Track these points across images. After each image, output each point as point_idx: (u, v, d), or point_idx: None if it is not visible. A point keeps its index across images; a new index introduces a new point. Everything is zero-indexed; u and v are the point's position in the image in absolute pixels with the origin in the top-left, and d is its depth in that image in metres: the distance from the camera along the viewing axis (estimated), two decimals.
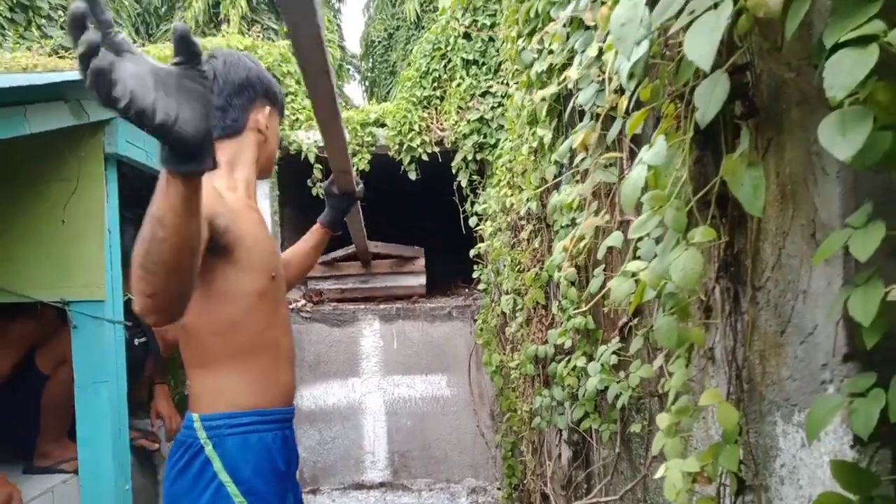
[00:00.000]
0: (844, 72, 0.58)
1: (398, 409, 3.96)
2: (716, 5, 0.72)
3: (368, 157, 3.29)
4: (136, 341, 2.83)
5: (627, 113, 1.25)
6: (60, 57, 3.25)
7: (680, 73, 0.83)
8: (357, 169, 3.26)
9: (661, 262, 0.85)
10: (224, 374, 1.43)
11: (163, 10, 10.95)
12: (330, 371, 3.95)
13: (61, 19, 6.22)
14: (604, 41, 1.07)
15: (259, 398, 1.48)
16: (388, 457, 4.00)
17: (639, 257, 1.07)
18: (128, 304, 2.61)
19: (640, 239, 1.01)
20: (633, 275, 0.92)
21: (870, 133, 0.58)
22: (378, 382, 3.94)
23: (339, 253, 4.48)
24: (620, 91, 1.21)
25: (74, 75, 2.15)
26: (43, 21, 5.99)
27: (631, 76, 0.85)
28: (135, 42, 4.02)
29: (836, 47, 0.60)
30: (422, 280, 4.03)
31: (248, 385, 1.46)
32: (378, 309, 3.90)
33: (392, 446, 3.99)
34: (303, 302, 3.98)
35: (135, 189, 3.76)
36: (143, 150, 2.57)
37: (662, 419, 0.98)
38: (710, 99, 0.74)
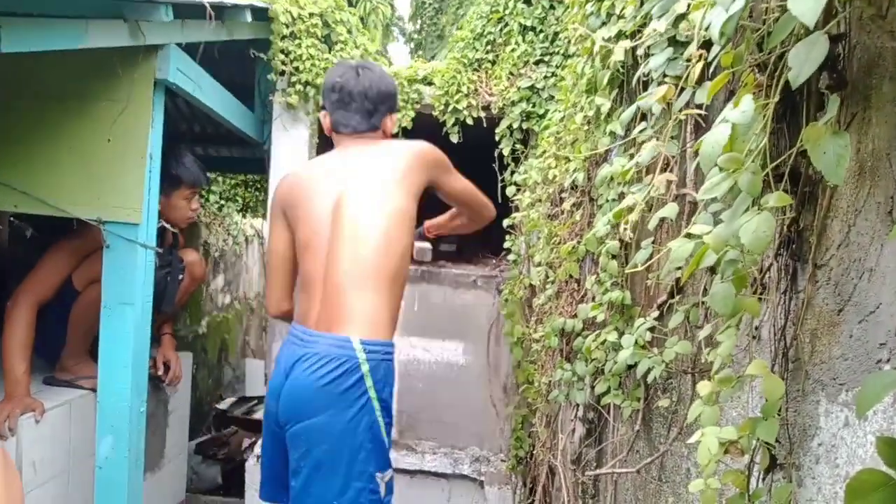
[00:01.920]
0: None
1: (411, 371, 3.99)
2: None
3: (412, 114, 3.27)
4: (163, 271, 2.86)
5: (699, 82, 1.23)
6: None
7: (773, 35, 0.80)
8: (399, 125, 3.24)
9: (730, 226, 0.84)
10: (386, 299, 1.74)
11: None
12: None
13: None
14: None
15: (393, 330, 1.81)
16: (397, 416, 4.04)
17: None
18: (160, 230, 2.65)
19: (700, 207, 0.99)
20: (695, 237, 0.91)
21: None
22: (395, 342, 3.97)
23: None
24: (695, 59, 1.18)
25: None
26: None
27: (721, 34, 0.83)
28: None
29: None
30: (452, 247, 4.06)
31: (396, 316, 1.82)
32: None
33: (401, 406, 4.02)
34: None
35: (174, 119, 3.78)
36: (192, 80, 2.58)
37: (704, 387, 0.97)
38: (806, 59, 0.72)
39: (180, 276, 3.02)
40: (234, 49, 3.09)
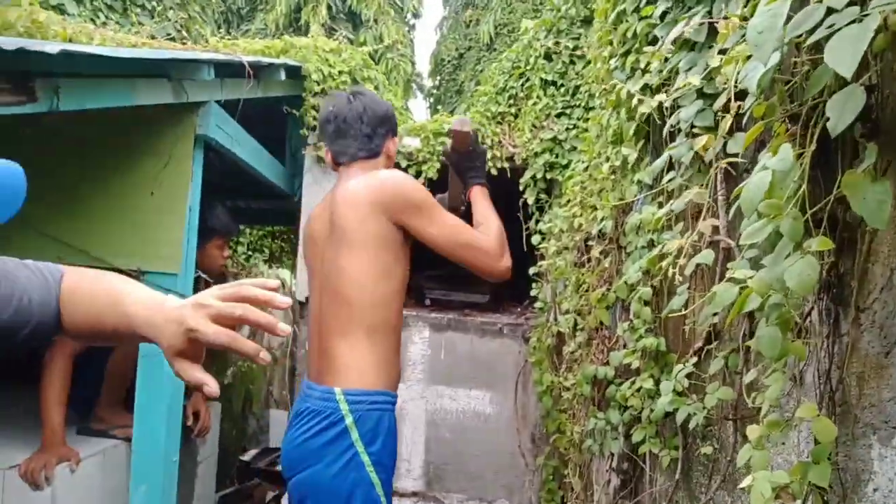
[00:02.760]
0: None
1: (438, 420, 3.96)
2: (860, 19, 0.73)
3: (438, 165, 3.35)
4: None
5: (730, 132, 1.27)
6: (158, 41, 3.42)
7: (810, 87, 0.84)
8: (425, 177, 3.32)
9: (773, 270, 0.86)
10: (368, 348, 1.65)
11: (245, 10, 11.39)
12: None
13: (154, 10, 6.58)
14: (723, 54, 1.09)
15: (386, 380, 1.69)
16: (423, 467, 4.00)
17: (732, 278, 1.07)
18: (196, 280, 2.71)
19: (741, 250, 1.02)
20: (739, 281, 0.93)
21: None
22: (421, 391, 3.96)
23: None
24: (725, 110, 1.22)
25: (179, 54, 2.27)
26: (137, 10, 6.36)
27: (758, 86, 0.87)
28: (217, 36, 4.21)
29: None
30: (486, 297, 4.11)
31: (383, 365, 1.68)
32: (429, 317, 3.93)
33: (429, 456, 3.98)
34: None
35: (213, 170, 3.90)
36: (230, 136, 2.69)
37: (753, 431, 0.98)
38: (844, 109, 0.76)
39: None
40: (268, 105, 3.21)
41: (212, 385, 0.80)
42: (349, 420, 1.58)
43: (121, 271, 2.34)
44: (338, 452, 1.57)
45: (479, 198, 1.94)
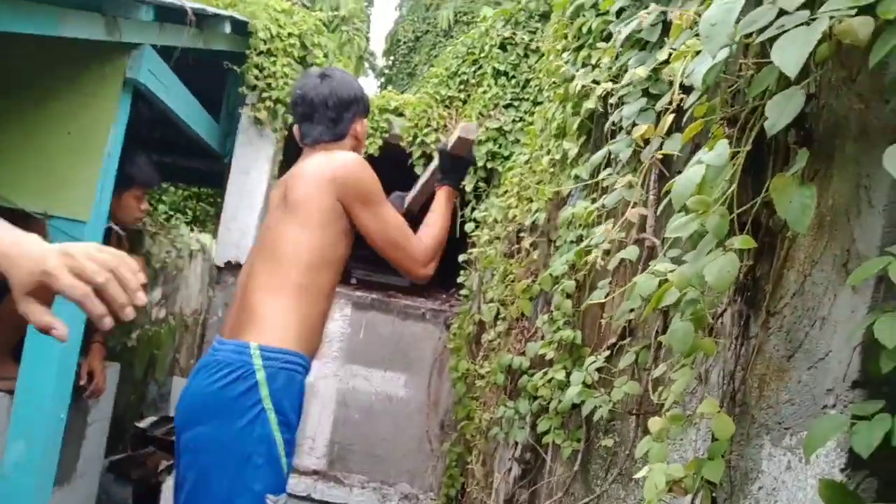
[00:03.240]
0: None
1: (349, 401, 3.91)
2: (808, 23, 0.74)
3: (380, 142, 3.30)
4: None
5: (668, 134, 1.28)
6: None
7: (752, 87, 0.85)
8: (366, 152, 3.26)
9: (694, 265, 0.87)
10: (294, 307, 1.64)
11: None
12: None
13: None
14: (673, 49, 1.10)
15: (306, 344, 1.68)
16: (328, 446, 3.95)
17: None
18: (106, 233, 2.56)
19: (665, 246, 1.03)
20: (660, 274, 0.94)
21: None
22: (335, 369, 3.90)
23: None
24: (667, 110, 1.24)
25: None
26: None
27: (703, 82, 0.88)
28: None
29: None
30: (405, 281, 4.07)
31: (306, 328, 1.67)
32: (353, 295, 3.87)
33: (334, 436, 3.93)
34: None
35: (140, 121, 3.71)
36: (162, 83, 2.54)
37: (655, 423, 0.99)
38: (783, 110, 0.77)
39: None
40: (207, 59, 3.06)
41: (60, 329, 0.79)
42: (260, 375, 1.56)
43: (25, 213, 2.18)
44: (245, 407, 1.54)
45: (443, 200, 1.98)
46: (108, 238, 2.77)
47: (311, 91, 1.86)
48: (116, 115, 2.26)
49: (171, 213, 6.48)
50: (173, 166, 4.71)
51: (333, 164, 1.74)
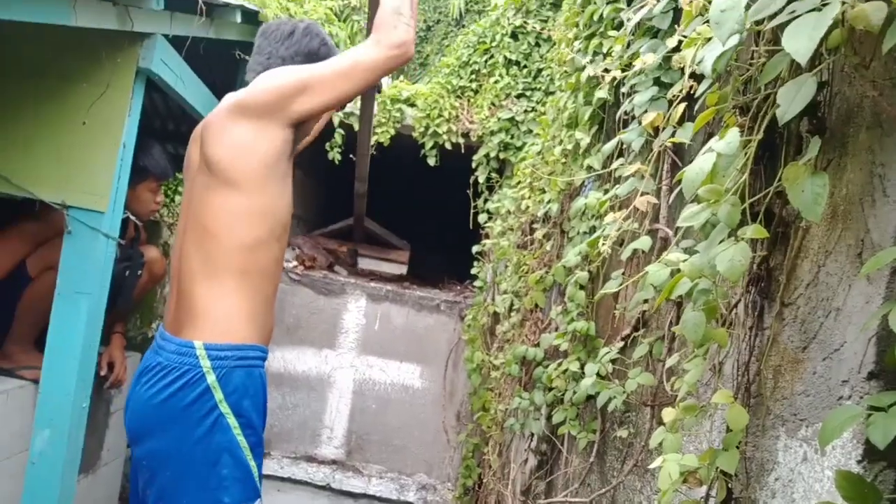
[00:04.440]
0: None
1: (366, 391, 3.94)
2: (820, 8, 0.73)
3: (392, 132, 3.29)
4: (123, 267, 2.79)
5: (680, 122, 1.27)
6: None
7: (763, 74, 0.84)
8: (377, 142, 3.26)
9: (706, 255, 0.86)
10: (237, 295, 1.43)
11: None
12: (306, 338, 3.92)
13: None
14: (684, 36, 1.08)
15: (257, 333, 1.48)
16: (346, 436, 3.98)
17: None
18: (124, 223, 2.58)
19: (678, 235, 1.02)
20: (671, 264, 0.93)
21: None
22: (352, 360, 3.92)
23: (336, 226, 4.51)
24: (678, 99, 1.22)
25: None
26: None
27: (713, 70, 0.86)
28: None
29: None
30: (403, 270, 4.09)
31: (254, 316, 1.46)
32: (368, 286, 3.89)
33: (352, 426, 3.96)
34: (294, 263, 3.96)
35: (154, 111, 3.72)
36: (175, 73, 2.55)
37: (668, 413, 0.98)
38: (794, 98, 0.75)
39: (139, 272, 2.94)
40: (219, 49, 3.07)
41: None
42: (211, 378, 1.38)
43: (44, 203, 2.21)
44: (198, 416, 1.37)
45: None
46: (126, 227, 2.80)
47: (275, 26, 1.62)
48: (130, 106, 2.27)
49: None
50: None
51: (238, 92, 1.46)
